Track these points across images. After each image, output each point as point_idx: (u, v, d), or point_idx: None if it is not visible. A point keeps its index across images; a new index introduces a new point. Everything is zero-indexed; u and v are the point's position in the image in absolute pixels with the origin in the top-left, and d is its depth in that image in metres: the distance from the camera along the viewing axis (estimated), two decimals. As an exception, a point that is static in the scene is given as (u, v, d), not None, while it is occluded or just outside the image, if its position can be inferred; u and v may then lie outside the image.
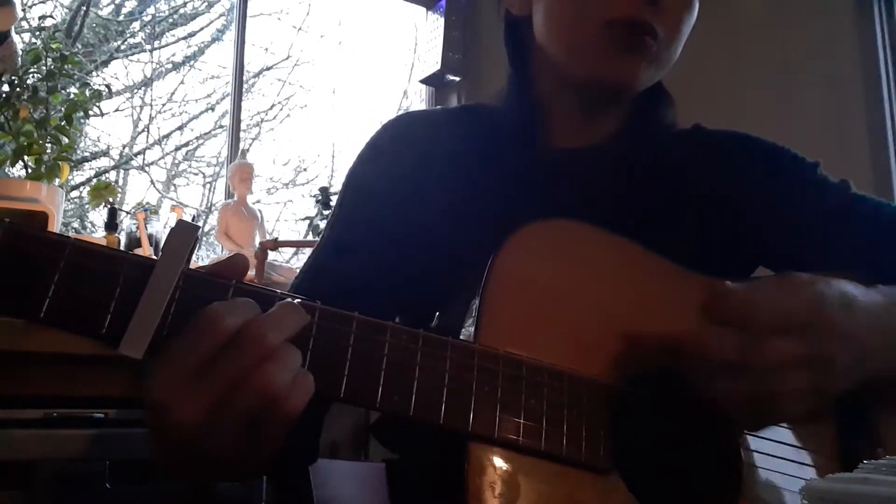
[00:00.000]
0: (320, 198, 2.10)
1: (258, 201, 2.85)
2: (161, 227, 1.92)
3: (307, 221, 2.18)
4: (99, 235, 1.87)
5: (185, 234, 0.45)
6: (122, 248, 1.77)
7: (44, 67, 1.58)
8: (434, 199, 0.74)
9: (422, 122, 0.81)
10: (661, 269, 0.64)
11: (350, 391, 0.47)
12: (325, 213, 2.07)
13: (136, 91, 3.13)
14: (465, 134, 0.79)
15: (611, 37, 0.68)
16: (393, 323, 0.50)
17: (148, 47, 3.17)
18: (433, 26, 2.30)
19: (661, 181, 0.75)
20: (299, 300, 0.47)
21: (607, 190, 0.74)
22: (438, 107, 0.88)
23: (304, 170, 3.37)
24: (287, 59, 3.39)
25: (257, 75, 3.32)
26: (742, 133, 0.81)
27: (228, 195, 2.11)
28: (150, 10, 3.26)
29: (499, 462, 0.51)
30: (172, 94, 3.24)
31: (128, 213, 1.84)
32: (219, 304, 0.44)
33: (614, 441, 0.54)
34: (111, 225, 1.74)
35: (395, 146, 0.79)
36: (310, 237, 2.13)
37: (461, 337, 0.55)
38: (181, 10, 3.31)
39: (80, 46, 2.86)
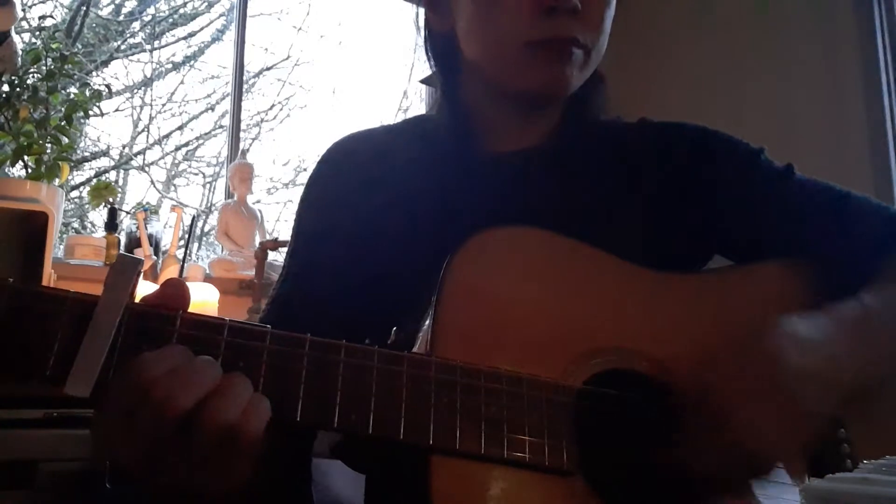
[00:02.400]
0: (320, 198, 2.10)
1: (258, 201, 2.85)
2: (161, 227, 1.92)
3: (307, 221, 2.18)
4: (99, 235, 1.87)
5: (127, 269, 0.45)
6: (122, 247, 1.77)
7: (44, 67, 1.58)
8: (381, 217, 0.74)
9: (362, 143, 0.81)
10: (612, 268, 0.64)
11: (306, 413, 0.47)
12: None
13: (136, 91, 3.13)
14: (407, 149, 0.79)
15: (533, 54, 0.69)
16: (346, 342, 0.50)
17: (148, 47, 3.17)
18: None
19: (600, 177, 0.75)
20: (250, 325, 0.48)
21: (550, 190, 0.74)
22: (380, 125, 0.88)
23: (304, 170, 3.37)
24: (287, 59, 3.39)
25: (257, 75, 3.32)
26: (684, 123, 0.81)
27: (228, 195, 2.11)
28: (150, 10, 3.26)
29: (462, 473, 0.51)
30: (172, 94, 3.24)
31: (128, 213, 1.84)
32: (147, 355, 0.44)
33: (577, 443, 0.54)
34: (111, 225, 1.74)
35: (340, 169, 0.79)
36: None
37: (417, 349, 0.55)
38: (181, 10, 3.31)
39: (80, 46, 2.86)
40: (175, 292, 0.47)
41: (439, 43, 0.80)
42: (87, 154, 2.78)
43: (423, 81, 2.41)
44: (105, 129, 2.94)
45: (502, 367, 0.54)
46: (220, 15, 3.33)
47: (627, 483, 0.58)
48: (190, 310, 0.48)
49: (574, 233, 0.63)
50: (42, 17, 1.74)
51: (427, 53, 0.82)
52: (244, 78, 2.41)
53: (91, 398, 0.43)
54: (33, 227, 1.40)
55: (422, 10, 0.82)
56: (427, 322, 0.56)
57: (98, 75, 2.88)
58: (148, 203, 2.09)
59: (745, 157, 0.77)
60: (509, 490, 0.52)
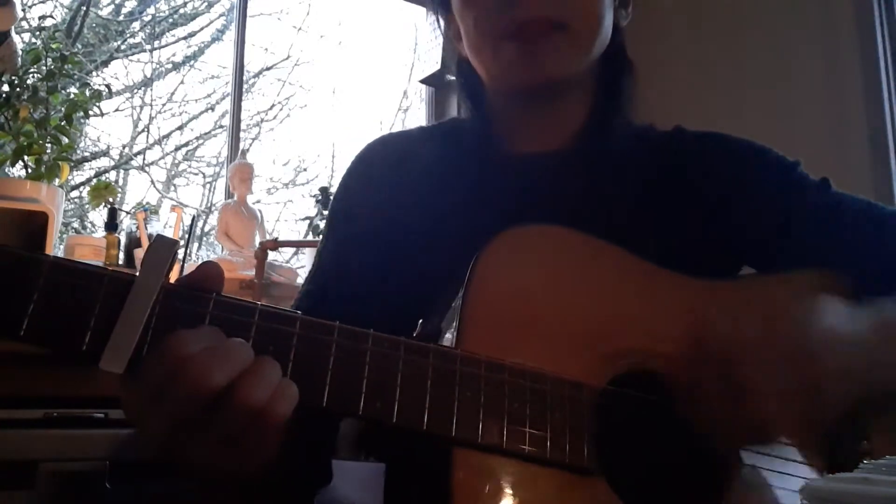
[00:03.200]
0: (320, 198, 2.10)
1: (258, 201, 2.85)
2: (161, 227, 1.92)
3: (307, 221, 2.18)
4: (99, 235, 1.87)
5: (164, 249, 0.46)
6: (121, 248, 1.77)
7: (44, 67, 1.58)
8: (412, 216, 0.76)
9: (397, 144, 0.84)
10: (641, 270, 0.64)
11: (332, 399, 0.48)
12: (325, 213, 2.07)
13: (136, 91, 3.13)
14: (438, 151, 0.81)
15: (513, 45, 0.70)
16: (374, 331, 0.50)
17: (148, 47, 3.17)
18: (433, 26, 2.30)
19: (629, 182, 0.75)
20: (280, 310, 0.48)
21: (577, 192, 0.74)
22: (415, 126, 0.91)
23: (304, 170, 3.37)
24: (287, 59, 3.39)
25: (257, 75, 3.32)
26: (721, 134, 0.81)
27: (228, 195, 2.11)
28: (150, 10, 3.26)
29: (483, 466, 0.51)
30: (172, 94, 3.24)
31: (128, 213, 1.84)
32: (184, 332, 0.45)
33: (598, 443, 0.55)
34: (111, 225, 1.74)
35: (374, 171, 0.82)
36: (310, 237, 2.13)
37: (443, 343, 0.55)
38: (181, 10, 3.31)
39: (80, 46, 2.86)
40: (211, 274, 0.48)
41: (462, 65, 0.83)
42: (87, 154, 2.78)
43: (423, 81, 2.41)
44: (105, 129, 2.94)
45: (527, 364, 0.54)
46: (220, 15, 3.33)
47: (648, 484, 0.58)
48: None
49: (601, 235, 0.64)
50: (42, 17, 1.74)
51: (455, 78, 0.86)
52: (244, 78, 2.41)
53: (124, 375, 0.44)
54: (33, 227, 1.40)
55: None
56: (454, 318, 0.56)
57: (98, 75, 2.88)
58: (148, 203, 2.09)
59: (782, 170, 0.77)
60: (529, 486, 0.52)
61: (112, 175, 2.98)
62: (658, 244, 0.68)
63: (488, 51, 0.73)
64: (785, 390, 0.52)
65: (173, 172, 3.27)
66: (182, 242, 1.82)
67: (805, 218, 0.74)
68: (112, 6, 3.21)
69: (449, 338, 0.56)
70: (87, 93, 1.64)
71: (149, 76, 3.18)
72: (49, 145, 1.55)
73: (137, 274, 0.45)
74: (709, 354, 0.54)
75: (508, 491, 0.51)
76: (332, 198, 0.85)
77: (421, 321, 0.63)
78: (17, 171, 1.57)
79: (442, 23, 0.85)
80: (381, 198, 0.79)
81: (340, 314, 0.56)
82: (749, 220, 0.75)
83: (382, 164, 0.82)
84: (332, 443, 0.72)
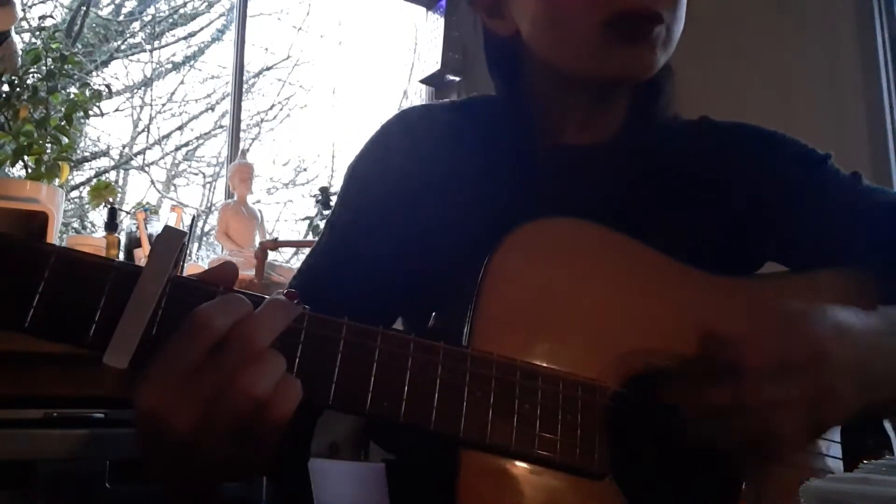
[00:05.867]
0: (320, 198, 2.10)
1: (258, 201, 2.85)
2: (161, 227, 1.92)
3: (307, 221, 2.18)
4: (99, 235, 1.87)
5: (172, 240, 0.45)
6: (121, 248, 1.77)
7: (44, 67, 1.58)
8: (436, 198, 0.72)
9: (421, 120, 0.78)
10: (663, 267, 0.62)
11: (339, 397, 0.47)
12: (325, 213, 2.07)
13: (136, 91, 3.13)
14: (467, 131, 0.76)
15: (614, 34, 0.63)
16: (383, 329, 0.49)
17: (148, 47, 3.17)
18: (433, 26, 2.30)
19: (666, 177, 0.73)
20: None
21: (611, 187, 0.72)
22: (442, 100, 0.84)
23: (304, 170, 3.37)
24: (287, 59, 3.40)
25: (257, 75, 3.32)
26: (750, 125, 0.79)
27: (228, 195, 2.11)
28: (150, 10, 3.26)
29: (491, 467, 0.50)
30: (172, 94, 3.24)
31: (128, 213, 1.84)
32: (208, 305, 0.44)
33: (610, 446, 0.54)
34: (111, 225, 1.73)
35: (397, 144, 0.76)
36: (310, 237, 2.13)
37: (457, 339, 0.54)
38: (181, 10, 3.31)
39: (80, 46, 2.86)
40: (223, 270, 0.47)
41: (500, 47, 0.76)
42: (87, 154, 2.78)
43: (423, 81, 2.41)
44: (105, 129, 2.94)
45: (539, 363, 0.53)
46: (220, 15, 3.34)
47: (658, 489, 0.57)
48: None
49: (630, 231, 0.61)
50: (42, 17, 1.74)
51: (487, 61, 0.78)
52: (244, 78, 2.41)
53: (126, 370, 0.42)
54: (33, 227, 1.40)
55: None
56: (468, 314, 0.54)
57: (98, 75, 2.89)
58: (148, 203, 2.08)
59: (813, 163, 0.75)
60: (537, 488, 0.51)
61: (112, 175, 2.98)
62: (687, 239, 0.66)
63: (582, 35, 0.65)
64: (792, 403, 0.51)
65: (173, 172, 3.27)
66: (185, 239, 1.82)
67: (836, 212, 0.72)
68: (112, 6, 3.21)
69: (463, 330, 0.54)
70: (87, 93, 1.64)
71: (149, 76, 3.18)
72: (49, 145, 1.55)
73: (144, 265, 0.44)
74: (718, 364, 0.52)
75: (516, 493, 0.50)
76: (349, 171, 0.78)
77: (434, 314, 0.61)
78: (17, 171, 1.57)
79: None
80: (406, 179, 0.73)
81: (338, 293, 0.54)
82: (777, 214, 0.74)
83: (408, 137, 0.75)
84: (312, 425, 0.71)
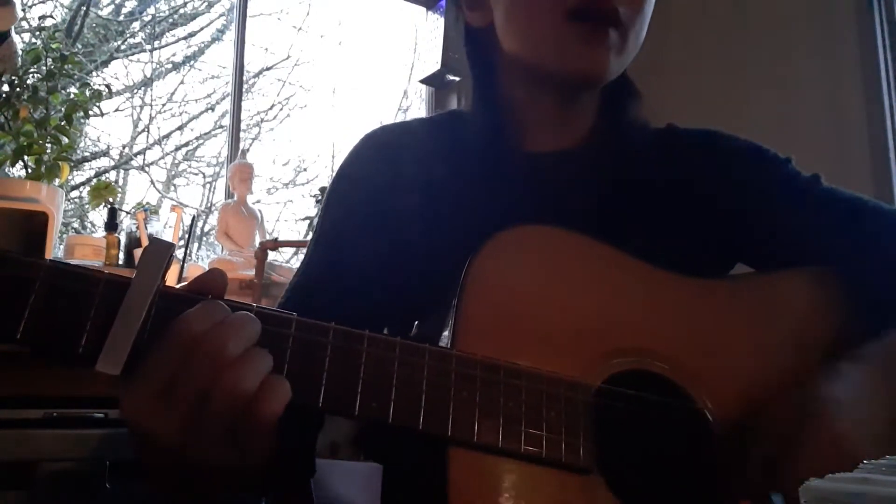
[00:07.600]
0: (320, 198, 2.10)
1: (258, 201, 2.85)
2: (161, 227, 1.92)
3: (307, 221, 2.18)
4: (99, 235, 1.87)
5: (159, 252, 0.46)
6: (122, 248, 1.77)
7: (44, 67, 1.58)
8: (412, 210, 0.74)
9: (397, 135, 0.81)
10: (638, 270, 0.64)
11: (328, 400, 0.48)
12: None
13: (136, 91, 3.13)
14: (440, 144, 0.78)
15: (575, 29, 0.66)
16: (370, 332, 0.51)
17: (148, 47, 3.17)
18: (433, 26, 2.30)
19: (636, 182, 0.75)
20: (276, 312, 0.49)
21: (582, 194, 0.73)
22: (414, 118, 0.87)
23: (304, 170, 3.37)
24: (287, 59, 3.39)
25: (257, 75, 3.32)
26: (714, 130, 0.81)
27: (228, 195, 2.11)
28: (150, 10, 3.26)
29: (479, 465, 0.51)
30: (172, 94, 3.24)
31: (128, 213, 1.84)
32: (187, 312, 0.45)
33: (595, 441, 0.55)
34: (111, 225, 1.74)
35: (372, 161, 0.78)
36: (309, 237, 2.13)
37: (440, 344, 0.55)
38: (181, 10, 3.31)
39: (80, 46, 2.86)
40: (212, 279, 0.48)
41: (476, 40, 0.79)
42: (87, 154, 2.78)
43: (423, 81, 2.41)
44: (105, 129, 2.94)
45: (522, 364, 0.55)
46: (220, 15, 3.34)
47: (644, 482, 0.58)
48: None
49: (604, 235, 0.63)
50: (42, 17, 1.74)
51: (466, 53, 0.81)
52: (244, 78, 2.41)
53: (121, 376, 0.44)
54: (33, 227, 1.40)
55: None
56: (449, 315, 0.56)
57: (98, 75, 2.89)
58: (148, 203, 2.08)
59: (774, 167, 0.77)
60: (525, 484, 0.52)
61: (112, 175, 2.98)
62: (657, 243, 0.68)
63: (546, 26, 0.68)
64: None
65: (173, 172, 3.27)
66: (180, 243, 1.82)
67: (798, 214, 0.74)
68: (112, 6, 3.21)
69: (446, 335, 0.56)
70: (87, 93, 1.65)
71: (149, 76, 3.18)
72: (49, 145, 1.55)
73: (133, 277, 0.46)
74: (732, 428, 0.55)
75: (504, 490, 0.51)
76: (328, 189, 0.81)
77: (417, 323, 0.63)
78: (17, 171, 1.57)
79: None
80: (382, 189, 0.75)
81: (327, 308, 0.55)
82: (743, 217, 0.76)
83: (383, 154, 0.78)
84: (317, 433, 0.72)
